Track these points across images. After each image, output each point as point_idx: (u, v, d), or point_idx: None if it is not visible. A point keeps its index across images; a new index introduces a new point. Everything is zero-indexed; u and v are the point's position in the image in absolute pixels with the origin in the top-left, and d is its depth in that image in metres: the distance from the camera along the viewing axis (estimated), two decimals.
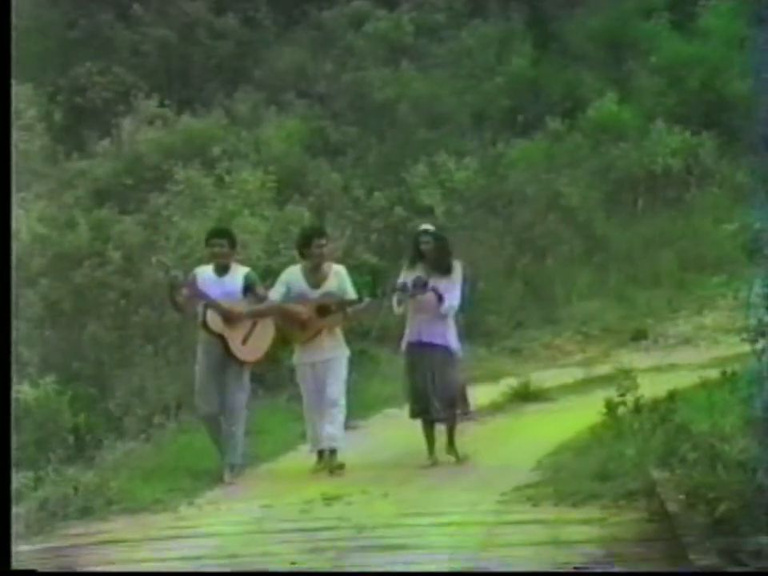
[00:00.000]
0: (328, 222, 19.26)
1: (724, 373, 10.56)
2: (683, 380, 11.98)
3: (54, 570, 7.84)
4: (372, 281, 14.60)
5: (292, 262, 17.54)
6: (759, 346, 10.24)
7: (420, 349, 10.71)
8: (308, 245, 10.71)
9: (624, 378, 10.60)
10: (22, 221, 16.74)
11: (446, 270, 10.70)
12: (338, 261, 18.92)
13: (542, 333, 18.08)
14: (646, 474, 9.07)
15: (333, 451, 10.64)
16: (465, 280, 10.88)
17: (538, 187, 20.71)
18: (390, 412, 14.08)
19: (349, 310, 10.79)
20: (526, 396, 14.22)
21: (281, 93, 22.88)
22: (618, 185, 21.33)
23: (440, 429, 10.93)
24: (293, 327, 10.58)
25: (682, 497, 8.22)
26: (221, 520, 9.07)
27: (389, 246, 19.60)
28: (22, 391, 12.77)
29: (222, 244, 10.49)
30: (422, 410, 10.74)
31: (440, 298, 10.60)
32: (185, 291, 10.37)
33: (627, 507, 8.54)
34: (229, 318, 10.25)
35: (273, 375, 14.85)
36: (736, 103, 21.46)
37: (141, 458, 11.55)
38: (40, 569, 7.84)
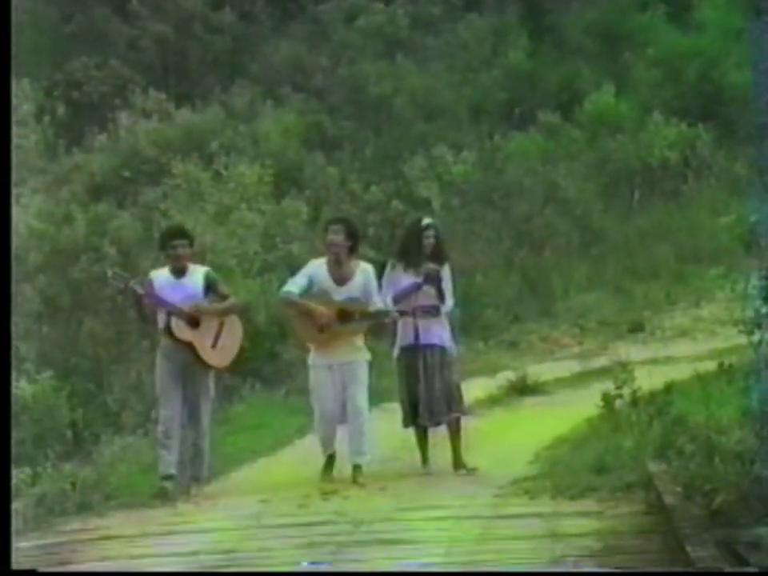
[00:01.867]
0: (325, 216, 19.28)
1: (721, 365, 10.57)
2: (680, 372, 11.99)
3: (52, 567, 7.84)
4: None
5: (289, 256, 17.72)
6: (756, 337, 10.24)
7: (416, 351, 10.15)
8: (326, 232, 10.20)
9: (621, 370, 10.61)
10: (19, 216, 16.73)
11: (443, 266, 10.28)
12: None
13: (539, 326, 18.07)
14: (643, 467, 9.08)
15: (358, 466, 10.03)
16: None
17: (535, 180, 20.72)
18: (388, 406, 14.07)
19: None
20: (522, 389, 14.22)
21: (277, 87, 22.86)
22: (615, 177, 21.34)
23: (437, 435, 10.40)
24: (310, 326, 9.91)
25: (678, 489, 8.23)
26: (218, 515, 9.07)
27: (386, 240, 19.59)
28: (19, 387, 12.77)
29: (184, 245, 9.75)
30: (420, 417, 10.19)
31: (442, 297, 10.19)
32: (144, 300, 9.68)
33: (624, 500, 8.55)
34: (195, 322, 9.58)
35: (270, 369, 14.88)
36: (733, 95, 21.45)
37: (139, 452, 11.56)
38: (38, 566, 7.85)
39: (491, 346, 17.38)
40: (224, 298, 9.83)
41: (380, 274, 10.38)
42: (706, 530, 7.29)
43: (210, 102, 22.03)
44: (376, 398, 14.48)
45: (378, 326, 10.51)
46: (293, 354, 15.41)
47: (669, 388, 10.64)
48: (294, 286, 9.91)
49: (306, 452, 11.84)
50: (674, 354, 15.38)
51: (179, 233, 10.00)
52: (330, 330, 9.84)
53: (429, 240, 10.20)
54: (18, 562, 7.89)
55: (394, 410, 13.74)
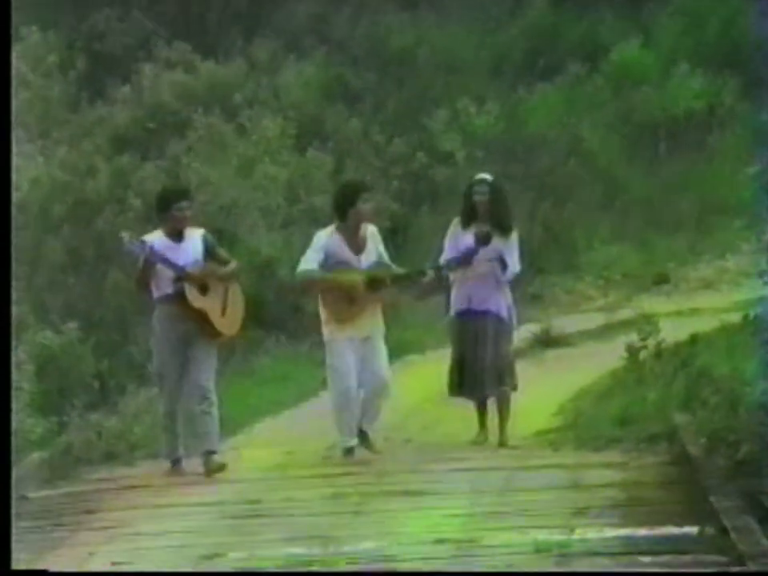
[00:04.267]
0: (348, 169, 19.25)
1: (746, 316, 10.56)
2: (705, 324, 11.99)
3: (78, 515, 7.91)
4: None
5: (312, 209, 17.70)
6: None
7: (469, 317, 9.45)
8: (353, 203, 9.09)
9: (645, 322, 10.61)
10: (43, 168, 16.74)
11: (505, 229, 9.49)
12: None
13: (563, 279, 18.03)
14: (667, 418, 9.10)
15: (365, 433, 9.27)
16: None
17: (558, 132, 20.61)
18: (411, 359, 14.11)
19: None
20: (547, 342, 14.23)
21: (299, 39, 22.75)
22: (639, 129, 21.20)
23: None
24: (339, 301, 9.06)
25: (703, 440, 8.24)
26: (243, 466, 9.12)
27: (409, 193, 19.56)
28: (45, 338, 12.83)
29: (189, 206, 8.99)
30: (466, 386, 9.50)
31: (503, 264, 9.41)
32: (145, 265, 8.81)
33: (648, 451, 8.57)
34: (205, 288, 8.84)
35: (294, 323, 14.90)
36: (758, 43, 21.24)
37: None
38: (65, 513, 7.93)
39: (515, 299, 17.33)
40: (224, 261, 9.09)
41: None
42: (731, 481, 7.31)
43: (233, 55, 21.95)
44: (399, 350, 14.57)
45: (423, 289, 10.08)
46: (316, 306, 15.44)
47: (693, 340, 10.66)
48: (312, 262, 9.05)
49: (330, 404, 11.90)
50: (699, 306, 15.35)
51: (183, 193, 9.19)
52: (360, 301, 9.07)
53: (479, 197, 9.44)
54: (48, 510, 7.98)
55: (417, 363, 13.83)
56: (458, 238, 9.52)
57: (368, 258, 9.12)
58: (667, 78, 21.63)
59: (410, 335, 14.76)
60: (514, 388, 9.57)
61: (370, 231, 9.19)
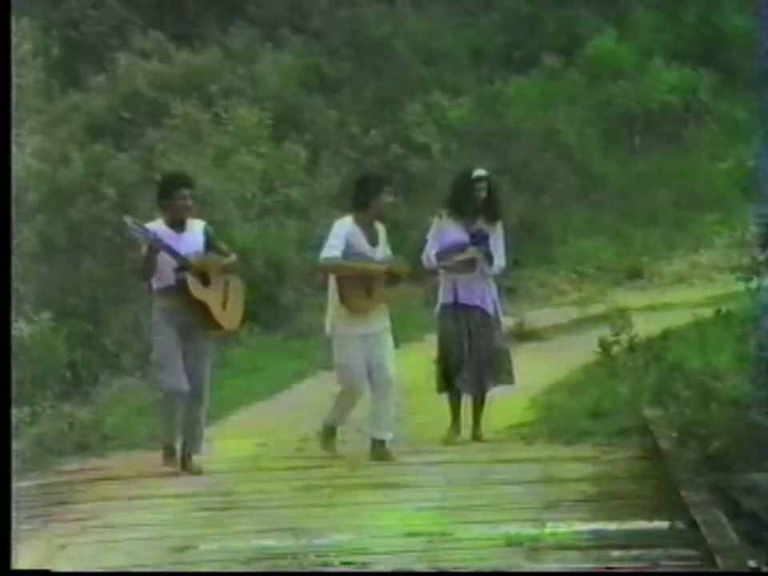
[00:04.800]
0: (324, 160, 19.23)
1: (718, 311, 10.61)
2: (677, 318, 12.04)
3: (51, 506, 7.89)
4: None
5: (287, 200, 17.69)
6: (753, 284, 10.28)
7: (455, 311, 9.31)
8: (377, 192, 8.84)
9: (618, 317, 10.63)
10: (17, 156, 16.65)
11: (495, 225, 9.43)
12: (333, 200, 19.10)
13: (537, 272, 18.07)
14: (639, 412, 9.14)
15: (381, 442, 8.88)
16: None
17: (534, 124, 20.65)
18: None
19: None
20: (520, 335, 14.23)
21: (276, 29, 22.71)
22: (614, 122, 21.28)
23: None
24: (358, 291, 8.74)
25: (674, 434, 8.29)
26: (216, 457, 9.11)
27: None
28: (18, 328, 12.77)
29: (190, 195, 8.68)
30: (461, 381, 9.31)
31: (489, 257, 9.33)
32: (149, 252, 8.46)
33: (620, 445, 8.61)
34: (207, 280, 8.60)
35: (268, 313, 14.88)
36: (734, 39, 21.37)
37: (136, 394, 11.58)
38: (37, 505, 7.90)
39: None
40: (225, 254, 8.83)
41: None
42: (701, 475, 7.36)
43: (209, 44, 21.87)
44: None
45: (433, 284, 9.56)
46: (290, 297, 15.46)
47: (666, 334, 10.69)
48: (335, 249, 8.70)
49: (304, 395, 11.91)
50: (672, 301, 15.40)
51: (186, 181, 8.82)
52: (378, 294, 8.79)
53: (480, 193, 9.30)
54: (17, 501, 7.94)
55: None
56: (446, 233, 9.37)
57: (380, 252, 8.92)
58: (643, 72, 21.71)
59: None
60: (512, 382, 9.49)
61: (380, 227, 8.97)
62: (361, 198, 8.88)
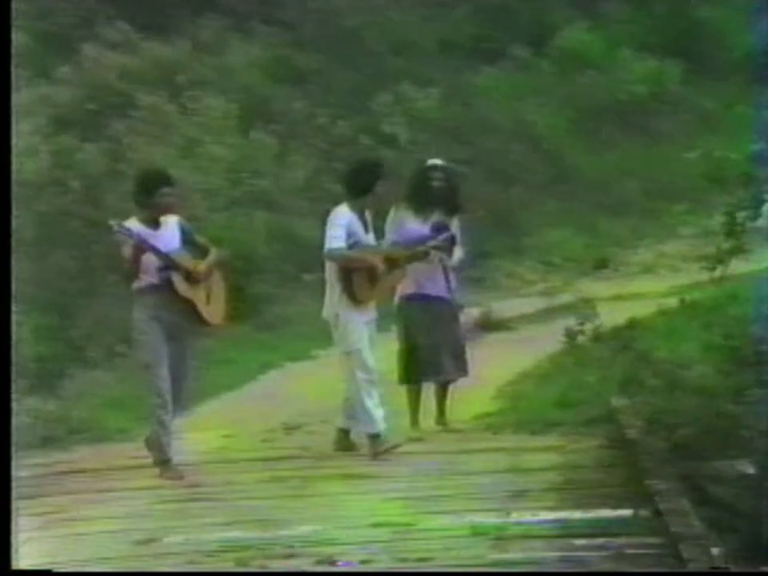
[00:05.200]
0: (292, 151, 19.19)
1: (684, 300, 10.69)
2: (644, 308, 12.08)
3: (16, 500, 7.84)
4: None
5: (255, 191, 17.65)
6: (718, 273, 10.38)
7: (417, 302, 9.24)
8: (374, 180, 8.70)
9: (585, 306, 10.67)
10: None
11: (454, 216, 9.36)
12: (301, 191, 19.09)
13: (504, 262, 18.07)
14: (606, 402, 9.17)
15: (377, 435, 8.58)
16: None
17: (503, 116, 20.66)
18: None
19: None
20: (487, 325, 14.25)
21: (245, 20, 22.64)
22: (584, 113, 21.29)
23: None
24: (363, 281, 8.61)
25: (641, 423, 8.33)
26: (183, 450, 9.09)
27: None
28: None
29: (172, 193, 8.48)
30: (416, 373, 9.26)
31: (450, 249, 9.29)
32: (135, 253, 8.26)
33: (587, 434, 8.63)
34: (190, 277, 8.41)
35: (236, 304, 14.81)
36: (703, 30, 21.45)
37: (104, 387, 11.55)
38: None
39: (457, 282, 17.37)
40: (204, 248, 8.64)
41: None
42: (668, 464, 7.40)
43: (178, 35, 21.79)
44: None
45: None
46: (259, 288, 15.41)
47: (632, 324, 10.75)
48: (340, 240, 8.57)
49: (272, 387, 11.90)
50: (638, 290, 15.43)
51: (166, 179, 8.59)
52: (380, 282, 8.70)
53: (436, 183, 9.25)
54: None
55: None
56: (404, 224, 9.31)
57: (371, 238, 8.81)
58: (612, 63, 21.75)
59: None
60: (467, 374, 9.46)
61: (368, 212, 8.84)
62: (357, 185, 8.72)
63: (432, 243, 9.18)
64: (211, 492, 7.67)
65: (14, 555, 6.22)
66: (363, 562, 6.03)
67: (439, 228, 9.21)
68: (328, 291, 8.78)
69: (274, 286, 15.40)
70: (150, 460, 8.74)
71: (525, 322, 14.68)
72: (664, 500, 6.61)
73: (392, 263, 8.81)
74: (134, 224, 8.40)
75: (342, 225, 8.61)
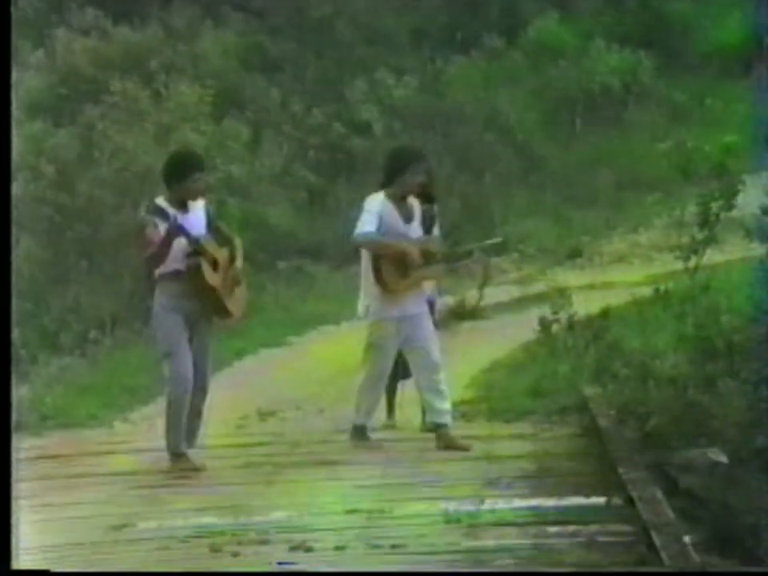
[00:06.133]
0: (266, 138, 19.18)
1: (657, 290, 10.73)
2: (617, 298, 12.14)
3: None
4: None
5: (229, 177, 17.62)
6: (692, 263, 10.41)
7: None
8: (408, 167, 8.31)
9: (558, 296, 10.71)
10: None
11: (433, 205, 9.09)
12: (275, 178, 19.07)
13: (478, 252, 18.09)
14: (578, 391, 9.22)
15: (443, 425, 8.29)
16: None
17: (476, 106, 20.70)
18: (326, 329, 14.13)
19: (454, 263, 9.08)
20: (461, 314, 14.29)
21: (217, 6, 22.59)
22: (556, 104, 21.37)
23: None
24: (393, 271, 8.25)
25: (613, 412, 8.37)
26: (155, 435, 9.08)
27: (326, 164, 19.54)
28: None
29: (203, 177, 8.10)
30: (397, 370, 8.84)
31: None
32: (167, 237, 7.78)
33: (559, 423, 8.68)
34: (216, 265, 7.97)
35: None
36: (674, 22, 21.54)
37: (76, 373, 11.54)
38: None
39: None
40: (226, 236, 8.18)
41: None
42: (639, 453, 7.43)
43: (149, 21, 21.73)
44: (314, 321, 14.60)
45: (468, 269, 9.07)
46: None
47: (605, 313, 10.79)
48: (370, 225, 8.20)
49: (244, 374, 11.90)
50: (612, 280, 15.52)
51: (200, 164, 8.14)
52: (413, 274, 8.29)
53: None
54: None
55: (332, 333, 13.85)
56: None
57: (415, 230, 8.43)
58: (584, 54, 21.82)
59: (326, 306, 14.77)
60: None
61: (416, 203, 8.47)
62: (391, 172, 8.34)
63: (479, 244, 9.04)
64: (184, 478, 7.65)
65: (14, 555, 6.21)
66: (337, 548, 6.04)
67: (426, 220, 8.81)
68: (363, 282, 8.50)
69: (248, 274, 15.37)
70: (122, 446, 8.76)
71: (499, 310, 14.74)
72: (636, 488, 6.65)
73: (430, 257, 8.40)
74: (157, 206, 7.88)
75: (373, 212, 8.24)
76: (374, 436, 8.47)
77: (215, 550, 6.13)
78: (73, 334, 13.53)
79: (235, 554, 6.03)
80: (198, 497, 7.15)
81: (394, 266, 8.24)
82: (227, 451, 8.41)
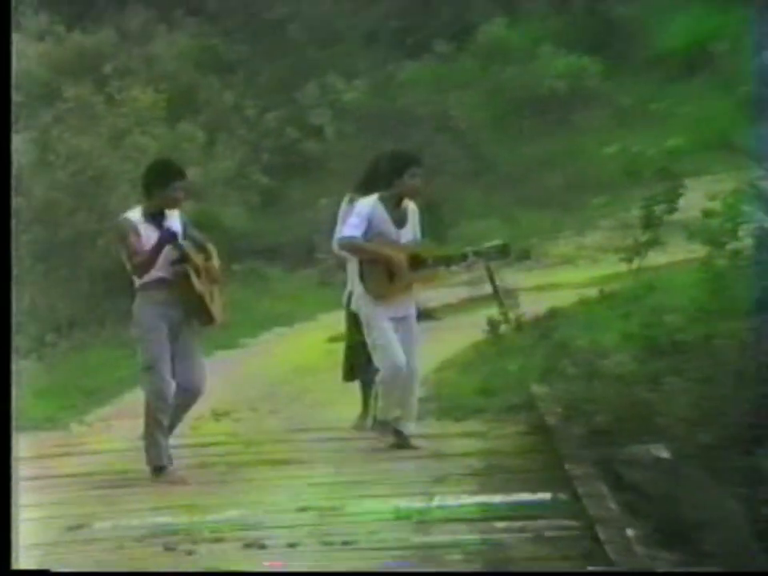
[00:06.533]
0: (220, 141, 19.24)
1: (602, 291, 10.91)
2: (564, 298, 12.29)
3: None
4: None
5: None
6: (635, 264, 10.61)
7: None
8: (402, 171, 8.20)
9: (507, 296, 10.85)
10: None
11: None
12: (229, 181, 19.12)
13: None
14: (526, 389, 9.34)
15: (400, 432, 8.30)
16: None
17: (427, 108, 20.83)
18: (280, 330, 14.21)
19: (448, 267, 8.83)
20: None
21: (171, 10, 22.61)
22: (505, 107, 21.51)
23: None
24: (380, 275, 8.17)
25: (560, 410, 8.50)
26: (111, 437, 9.15)
27: (280, 167, 19.63)
28: None
29: (183, 186, 7.95)
30: (362, 370, 8.84)
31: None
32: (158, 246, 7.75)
33: (508, 421, 8.79)
34: (199, 272, 7.88)
35: None
36: (620, 27, 21.77)
37: (32, 376, 11.54)
38: None
39: None
40: (200, 242, 8.06)
41: None
42: (586, 449, 7.57)
43: (103, 25, 21.73)
44: (268, 322, 14.67)
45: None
46: None
47: (552, 313, 10.95)
48: (357, 229, 8.09)
49: None
50: (558, 281, 15.65)
51: (181, 173, 8.01)
52: (401, 278, 8.20)
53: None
54: None
55: (286, 335, 13.95)
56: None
57: (407, 234, 8.30)
58: (532, 58, 21.98)
59: (280, 307, 14.86)
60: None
61: (411, 207, 8.36)
62: (385, 176, 8.24)
63: (474, 248, 8.95)
64: (139, 478, 7.71)
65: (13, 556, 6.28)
66: (290, 545, 6.15)
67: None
68: (348, 284, 8.58)
69: None
70: (77, 448, 8.81)
71: (449, 311, 14.84)
72: (582, 484, 6.78)
73: (418, 262, 8.29)
74: (135, 215, 7.89)
75: (362, 215, 8.14)
76: (326, 435, 8.61)
77: (169, 548, 6.19)
78: (29, 338, 13.54)
79: (189, 553, 6.10)
80: (153, 497, 7.23)
81: (379, 272, 8.16)
82: (182, 451, 8.45)
